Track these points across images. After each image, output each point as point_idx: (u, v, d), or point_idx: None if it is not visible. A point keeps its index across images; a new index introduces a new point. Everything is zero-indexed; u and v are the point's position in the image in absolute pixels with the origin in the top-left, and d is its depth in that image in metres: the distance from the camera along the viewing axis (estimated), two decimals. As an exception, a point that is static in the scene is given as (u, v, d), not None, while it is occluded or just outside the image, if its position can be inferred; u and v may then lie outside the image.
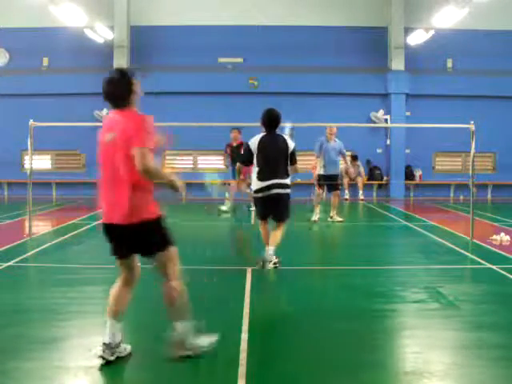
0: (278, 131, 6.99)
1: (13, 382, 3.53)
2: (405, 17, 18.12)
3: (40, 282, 6.57)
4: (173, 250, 4.02)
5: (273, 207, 6.75)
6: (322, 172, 12.04)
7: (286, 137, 6.97)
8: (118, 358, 3.85)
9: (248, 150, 6.87)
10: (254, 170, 6.84)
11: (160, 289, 4.01)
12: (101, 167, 3.88)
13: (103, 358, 3.78)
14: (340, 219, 12.05)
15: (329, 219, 12.06)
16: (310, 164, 14.29)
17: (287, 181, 6.77)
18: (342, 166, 17.71)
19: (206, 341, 3.98)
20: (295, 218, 13.72)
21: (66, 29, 16.43)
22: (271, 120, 6.82)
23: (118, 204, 3.78)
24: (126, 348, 4.00)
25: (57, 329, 4.60)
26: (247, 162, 6.96)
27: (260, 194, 6.75)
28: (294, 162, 6.90)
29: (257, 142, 6.81)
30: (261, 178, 6.71)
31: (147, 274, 4.19)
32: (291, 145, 6.87)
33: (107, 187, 3.85)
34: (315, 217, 11.90)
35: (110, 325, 3.92)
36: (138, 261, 4.09)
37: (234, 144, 13.20)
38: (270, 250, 6.58)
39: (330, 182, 12.01)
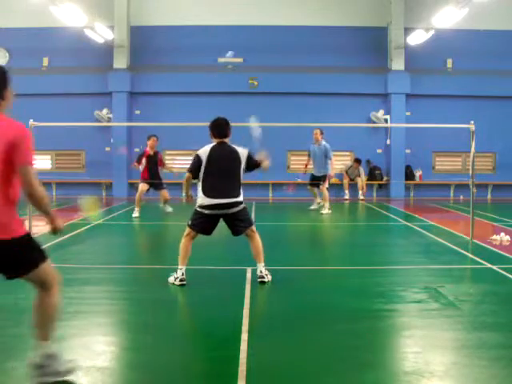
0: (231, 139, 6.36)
1: (13, 382, 3.53)
2: (405, 17, 18.11)
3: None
4: (48, 263, 3.55)
5: (227, 224, 6.23)
6: (312, 172, 13.98)
7: (237, 147, 6.25)
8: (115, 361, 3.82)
9: (197, 161, 6.13)
10: (200, 183, 6.19)
11: (39, 301, 3.56)
12: None
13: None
14: (327, 211, 13.36)
15: (323, 211, 13.44)
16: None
17: (239, 198, 6.14)
18: (343, 167, 17.93)
19: (66, 365, 3.51)
20: (296, 219, 13.81)
21: (66, 29, 16.42)
22: (221, 129, 6.22)
23: None
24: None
25: (57, 329, 4.60)
26: (195, 173, 6.18)
27: (207, 211, 6.09)
28: (256, 165, 6.30)
29: (207, 153, 6.12)
30: (209, 194, 6.06)
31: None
32: (243, 152, 6.23)
33: None
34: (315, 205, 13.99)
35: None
36: None
37: (151, 152, 12.79)
38: (261, 267, 6.20)
39: (316, 181, 13.78)
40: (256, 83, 18.04)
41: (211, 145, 6.23)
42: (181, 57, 18.20)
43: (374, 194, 18.75)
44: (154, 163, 12.89)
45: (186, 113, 17.46)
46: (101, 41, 17.28)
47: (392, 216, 13.73)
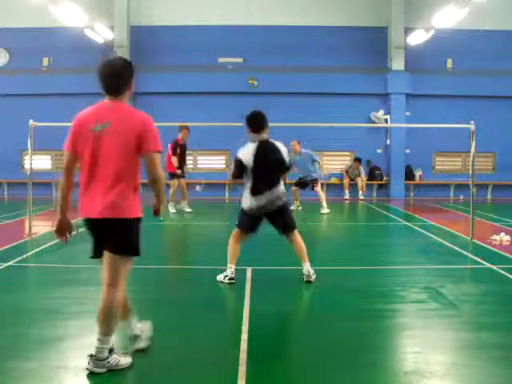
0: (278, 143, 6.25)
1: (12, 382, 3.53)
2: (405, 17, 18.11)
3: (40, 282, 6.57)
4: (131, 261, 3.88)
5: (272, 221, 6.24)
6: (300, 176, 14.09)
7: (277, 144, 6.19)
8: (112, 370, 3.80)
9: (240, 165, 6.02)
10: (248, 184, 6.10)
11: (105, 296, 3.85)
12: (83, 158, 3.68)
13: None
14: (325, 211, 13.47)
15: (322, 211, 13.43)
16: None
17: (281, 193, 6.14)
18: (343, 167, 17.97)
19: (125, 361, 3.77)
20: (295, 219, 13.76)
21: (66, 29, 16.41)
22: (258, 122, 6.09)
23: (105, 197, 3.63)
24: None
25: (57, 329, 4.60)
26: (241, 176, 6.10)
27: (256, 213, 6.08)
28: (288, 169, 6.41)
29: (252, 155, 5.99)
30: (257, 195, 6.01)
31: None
32: (284, 150, 6.21)
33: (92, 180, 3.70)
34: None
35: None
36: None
37: (182, 142, 13.19)
38: (307, 266, 6.20)
39: (304, 184, 13.90)
40: (256, 83, 18.04)
41: (254, 145, 6.04)
42: (181, 57, 18.20)
43: (374, 194, 18.75)
44: (184, 153, 13.33)
45: (186, 113, 17.46)
46: (101, 41, 17.28)
47: (392, 216, 13.73)
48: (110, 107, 3.75)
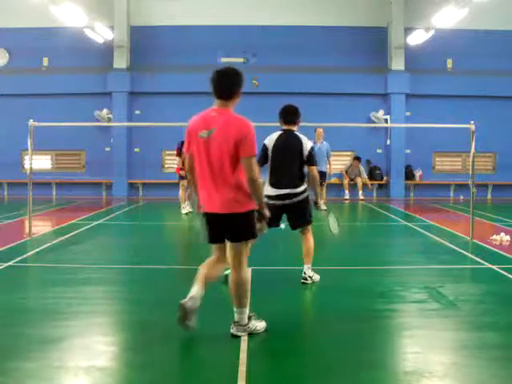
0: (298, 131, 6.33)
1: (12, 382, 3.53)
2: (405, 17, 18.10)
3: (40, 282, 6.57)
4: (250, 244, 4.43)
5: (289, 214, 6.18)
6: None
7: (303, 137, 6.24)
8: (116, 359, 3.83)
9: (263, 149, 6.11)
10: (268, 172, 6.16)
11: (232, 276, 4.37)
12: (199, 161, 4.21)
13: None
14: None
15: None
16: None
17: (297, 190, 6.04)
18: (343, 167, 17.98)
19: (261, 325, 4.42)
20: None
21: (66, 29, 16.41)
22: (288, 115, 6.33)
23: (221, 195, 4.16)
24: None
25: (57, 329, 4.60)
26: (261, 163, 6.07)
27: (270, 202, 5.90)
28: (310, 164, 6.18)
29: (273, 141, 6.13)
30: (273, 184, 6.06)
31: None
32: (307, 144, 6.17)
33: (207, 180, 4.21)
34: None
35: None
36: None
37: None
38: (304, 268, 6.20)
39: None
40: (257, 83, 18.03)
41: (278, 132, 6.25)
42: (181, 57, 18.19)
43: (374, 194, 18.75)
44: None
45: (186, 113, 17.31)
46: (101, 41, 17.28)
47: (392, 216, 13.73)
48: (216, 115, 4.23)
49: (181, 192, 13.22)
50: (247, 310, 4.34)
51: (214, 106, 4.29)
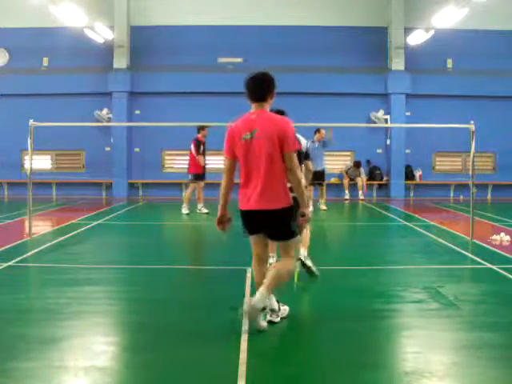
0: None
1: (12, 382, 3.53)
2: (405, 17, 18.10)
3: (40, 282, 6.57)
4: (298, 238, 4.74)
5: None
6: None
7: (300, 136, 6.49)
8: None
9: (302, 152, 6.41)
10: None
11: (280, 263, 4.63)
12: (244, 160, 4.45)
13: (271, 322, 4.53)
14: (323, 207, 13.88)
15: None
16: None
17: None
18: (343, 167, 17.99)
19: (287, 309, 4.76)
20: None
21: (66, 29, 16.41)
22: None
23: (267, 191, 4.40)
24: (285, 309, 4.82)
25: (57, 329, 4.60)
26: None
27: None
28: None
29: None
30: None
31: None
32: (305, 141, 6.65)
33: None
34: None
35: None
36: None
37: (203, 140, 13.06)
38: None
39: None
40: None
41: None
42: (181, 57, 18.19)
43: (374, 194, 18.75)
44: (204, 152, 13.14)
45: (186, 113, 17.45)
46: (101, 41, 17.28)
47: (392, 216, 13.73)
48: (256, 117, 4.47)
49: (189, 192, 13.11)
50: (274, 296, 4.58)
51: (252, 109, 4.55)
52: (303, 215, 4.44)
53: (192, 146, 12.99)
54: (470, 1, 13.69)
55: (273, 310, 4.60)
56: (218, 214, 4.61)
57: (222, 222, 4.62)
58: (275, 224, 4.47)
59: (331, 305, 5.44)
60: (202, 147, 12.96)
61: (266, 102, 4.55)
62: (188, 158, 13.40)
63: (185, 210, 12.98)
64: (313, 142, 13.55)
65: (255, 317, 4.34)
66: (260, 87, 4.56)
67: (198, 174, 12.96)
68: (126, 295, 5.89)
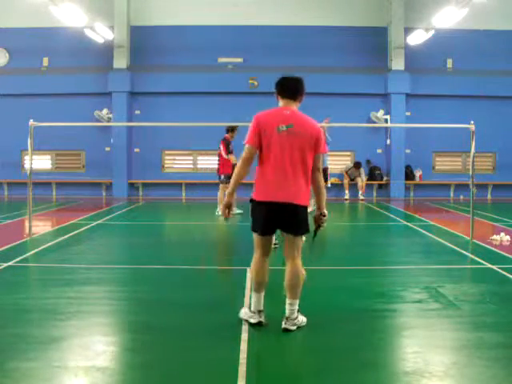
0: None
1: (12, 382, 3.53)
2: (405, 17, 18.10)
3: (40, 282, 6.56)
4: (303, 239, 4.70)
5: None
6: None
7: None
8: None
9: None
10: None
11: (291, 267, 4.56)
12: (273, 153, 4.44)
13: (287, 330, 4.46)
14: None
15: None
16: None
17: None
18: (343, 167, 17.98)
19: (304, 320, 4.59)
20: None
21: (66, 29, 16.41)
22: None
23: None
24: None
25: (56, 329, 4.60)
26: None
27: None
28: None
29: None
30: None
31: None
32: None
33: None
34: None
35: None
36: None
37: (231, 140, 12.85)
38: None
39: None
40: (256, 83, 18.02)
41: None
42: (181, 57, 18.20)
43: (374, 194, 18.75)
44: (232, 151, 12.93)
45: (186, 113, 17.46)
46: (101, 41, 17.28)
47: (392, 216, 13.73)
48: (289, 113, 4.55)
49: (221, 193, 12.76)
50: (298, 302, 4.52)
51: (283, 106, 4.67)
52: (324, 215, 4.60)
53: (221, 147, 12.81)
54: (469, 1, 13.68)
55: (291, 318, 4.52)
56: (227, 200, 4.60)
57: (229, 207, 4.62)
58: (294, 219, 4.46)
59: (331, 305, 5.44)
60: (230, 146, 12.74)
61: (296, 102, 4.69)
62: (217, 158, 13.17)
63: (238, 210, 12.67)
64: None
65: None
66: (295, 86, 4.81)
67: (230, 174, 12.73)
68: (126, 295, 5.88)
